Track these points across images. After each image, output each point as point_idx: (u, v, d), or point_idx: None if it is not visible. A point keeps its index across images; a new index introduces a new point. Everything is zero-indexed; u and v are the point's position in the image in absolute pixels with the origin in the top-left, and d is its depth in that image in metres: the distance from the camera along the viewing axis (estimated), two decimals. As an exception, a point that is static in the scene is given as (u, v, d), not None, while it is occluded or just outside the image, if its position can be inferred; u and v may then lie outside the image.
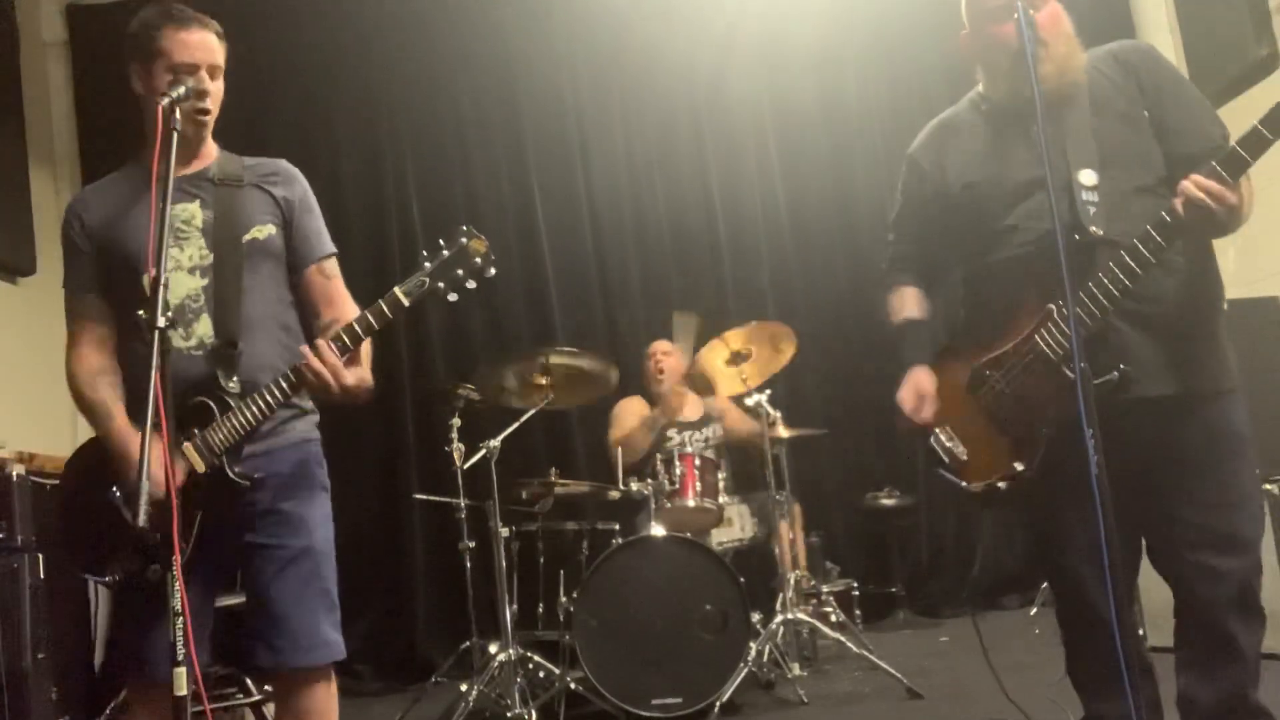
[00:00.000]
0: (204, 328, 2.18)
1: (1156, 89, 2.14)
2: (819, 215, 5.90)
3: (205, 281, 2.20)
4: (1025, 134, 2.09)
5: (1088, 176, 2.06)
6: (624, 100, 5.85)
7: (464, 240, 2.18)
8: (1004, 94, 2.17)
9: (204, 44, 2.20)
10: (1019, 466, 2.10)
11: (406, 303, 2.14)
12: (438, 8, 5.71)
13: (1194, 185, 1.88)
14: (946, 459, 2.24)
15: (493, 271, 2.21)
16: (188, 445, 2.11)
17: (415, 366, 5.51)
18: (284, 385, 2.13)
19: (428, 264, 2.17)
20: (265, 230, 2.26)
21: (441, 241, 2.20)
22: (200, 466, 2.11)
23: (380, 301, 2.14)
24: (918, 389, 2.26)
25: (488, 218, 5.56)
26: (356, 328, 2.13)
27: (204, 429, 2.13)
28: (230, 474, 2.13)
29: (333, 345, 2.11)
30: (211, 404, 2.13)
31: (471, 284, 2.18)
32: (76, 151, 5.47)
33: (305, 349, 2.12)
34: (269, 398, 2.13)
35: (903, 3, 5.74)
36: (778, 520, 4.21)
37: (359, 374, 2.16)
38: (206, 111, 2.21)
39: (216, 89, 2.23)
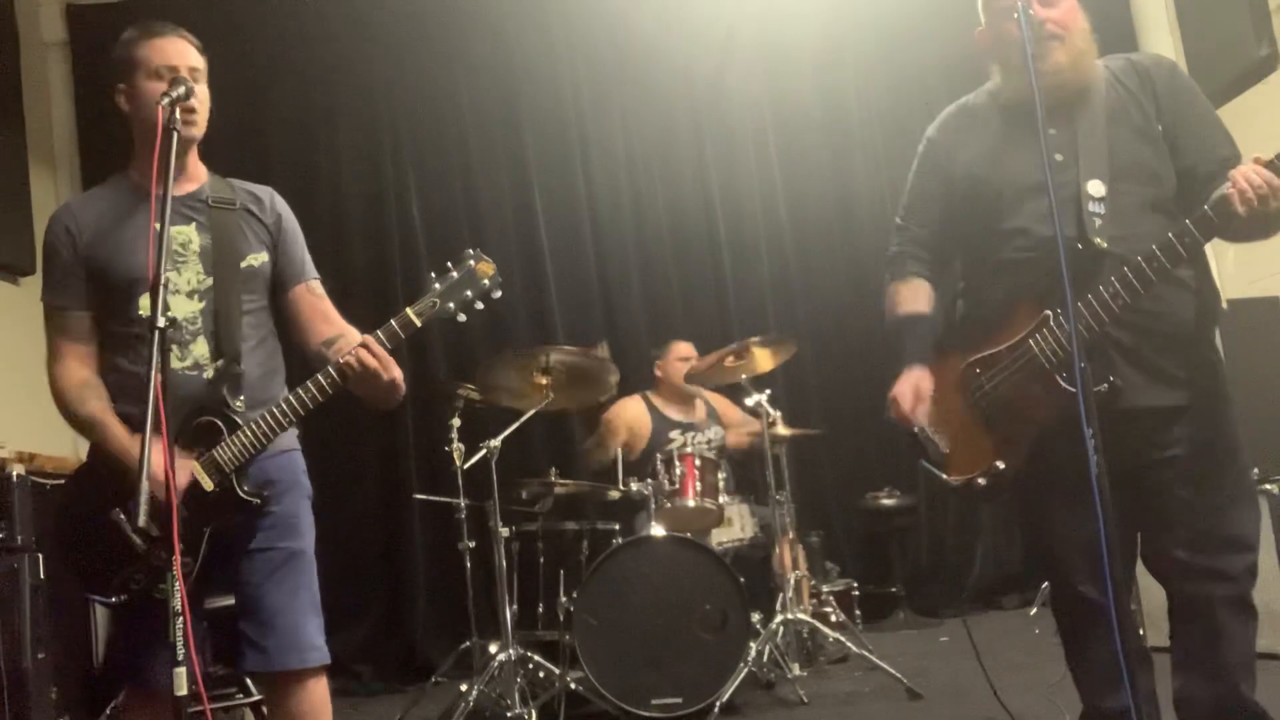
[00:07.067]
0: (200, 349, 2.20)
1: (1173, 103, 2.14)
2: (819, 215, 5.90)
3: (203, 305, 2.22)
4: (1036, 134, 2.09)
5: (1096, 187, 2.06)
6: (624, 100, 5.85)
7: (471, 263, 2.24)
8: (1016, 90, 2.15)
9: (180, 49, 2.22)
10: (1000, 465, 2.14)
11: (419, 322, 2.20)
12: (438, 8, 5.71)
13: (1247, 173, 1.84)
14: (929, 450, 2.27)
15: (499, 294, 2.26)
16: (195, 464, 2.12)
17: (415, 366, 5.50)
18: (314, 389, 2.14)
19: (437, 285, 2.22)
20: (260, 258, 2.31)
21: (449, 264, 2.25)
22: (209, 485, 2.12)
23: (392, 321, 2.19)
24: (917, 389, 2.25)
25: (488, 218, 5.55)
26: (382, 336, 2.17)
27: (212, 448, 2.14)
28: (240, 493, 2.15)
29: (381, 337, 2.16)
30: (219, 423, 2.15)
31: (479, 305, 2.24)
32: (76, 151, 5.46)
33: (359, 343, 2.14)
34: (288, 410, 2.15)
35: (903, 3, 5.74)
36: (778, 521, 4.20)
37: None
38: (192, 110, 2.18)
39: (202, 92, 2.22)
